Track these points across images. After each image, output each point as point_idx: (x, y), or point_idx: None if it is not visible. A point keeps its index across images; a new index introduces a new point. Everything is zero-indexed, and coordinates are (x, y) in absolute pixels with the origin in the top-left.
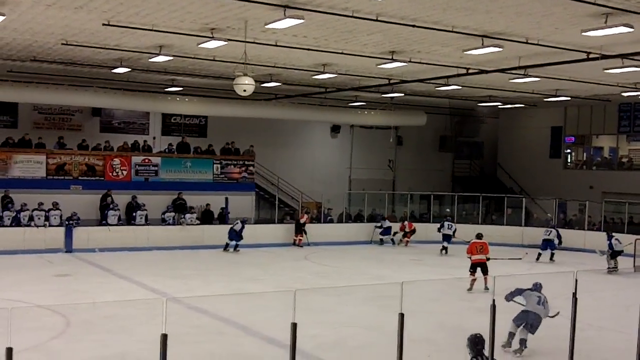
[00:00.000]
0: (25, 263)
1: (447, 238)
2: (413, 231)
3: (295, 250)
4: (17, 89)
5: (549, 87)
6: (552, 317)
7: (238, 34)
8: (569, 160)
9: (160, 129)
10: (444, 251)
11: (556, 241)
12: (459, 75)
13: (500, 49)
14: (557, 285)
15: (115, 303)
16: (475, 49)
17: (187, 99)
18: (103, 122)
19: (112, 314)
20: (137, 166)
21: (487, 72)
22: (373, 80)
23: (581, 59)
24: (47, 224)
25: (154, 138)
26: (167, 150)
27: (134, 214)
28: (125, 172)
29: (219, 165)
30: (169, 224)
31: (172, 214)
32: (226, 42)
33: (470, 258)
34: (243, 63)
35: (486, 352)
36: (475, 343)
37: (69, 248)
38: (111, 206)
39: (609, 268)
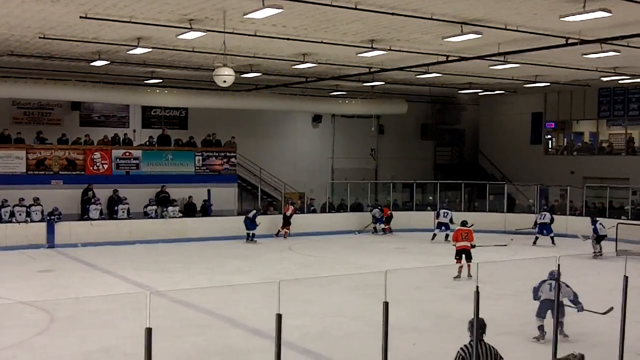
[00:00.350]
0: (7, 259)
1: (443, 225)
2: (390, 217)
3: (279, 241)
4: None
5: (528, 73)
6: (604, 313)
7: (217, 25)
8: (549, 146)
9: (141, 122)
10: (436, 237)
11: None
12: (439, 62)
13: (480, 36)
14: (541, 270)
15: (99, 298)
16: (455, 36)
17: (167, 91)
18: (83, 116)
19: (96, 309)
20: (117, 160)
21: (466, 59)
22: (353, 69)
23: (560, 44)
24: (29, 220)
25: (134, 131)
26: (147, 143)
27: (116, 208)
28: (106, 166)
29: (200, 157)
30: (151, 218)
31: (155, 207)
32: (205, 33)
33: (455, 245)
34: (222, 54)
35: (486, 337)
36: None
37: (51, 243)
38: (93, 200)
39: (595, 252)
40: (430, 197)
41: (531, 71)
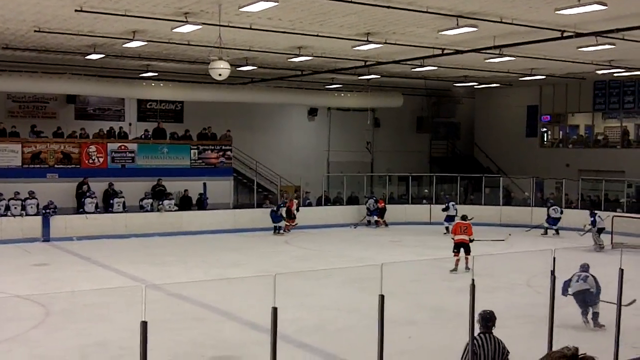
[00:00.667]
0: (3, 253)
1: (451, 219)
2: (383, 210)
3: (278, 234)
4: None
5: (524, 66)
6: (628, 305)
7: (212, 18)
8: (545, 139)
9: (136, 115)
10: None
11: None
12: (434, 55)
13: (475, 29)
14: (536, 263)
15: (95, 291)
16: (450, 29)
17: (162, 84)
18: (78, 110)
19: (91, 303)
20: (113, 153)
21: (462, 52)
22: (349, 62)
23: (555, 37)
24: (24, 214)
25: (130, 124)
26: (143, 136)
27: (112, 202)
28: (101, 160)
29: (196, 151)
30: (147, 211)
31: (150, 200)
32: (200, 26)
33: (453, 238)
34: (218, 47)
35: (495, 330)
36: (487, 320)
37: (46, 237)
38: (88, 194)
39: (599, 245)
40: (426, 190)
41: (527, 64)
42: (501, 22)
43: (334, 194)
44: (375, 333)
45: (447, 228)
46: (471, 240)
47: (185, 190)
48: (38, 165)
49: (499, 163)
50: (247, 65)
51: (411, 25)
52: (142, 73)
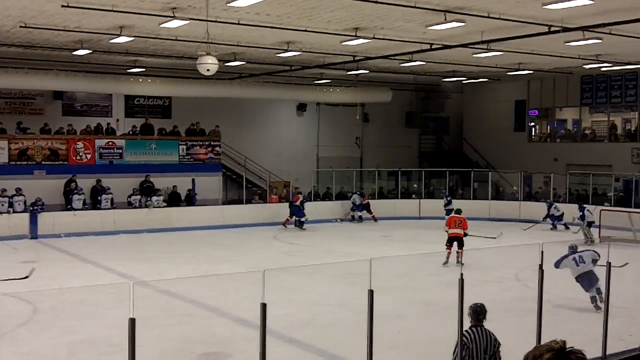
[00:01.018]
0: None
1: (451, 213)
2: (367, 205)
3: (264, 230)
4: None
5: (511, 61)
6: (621, 266)
7: (200, 13)
8: (533, 133)
9: (124, 111)
10: None
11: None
12: (422, 50)
13: (463, 24)
14: (524, 257)
15: (83, 288)
16: (438, 24)
17: (150, 80)
18: (65, 106)
19: (79, 300)
20: (101, 149)
21: (450, 47)
22: (338, 57)
23: (543, 32)
24: (11, 211)
25: (117, 120)
26: (131, 132)
27: (100, 198)
28: (89, 156)
29: (184, 147)
30: (135, 207)
31: (139, 197)
32: (188, 22)
33: (447, 232)
34: (206, 42)
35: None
36: (477, 313)
37: (34, 234)
38: (76, 190)
39: (590, 239)
40: (415, 185)
41: (514, 59)
42: (489, 17)
43: (323, 189)
44: (364, 328)
45: None
46: (465, 235)
47: (174, 187)
48: (25, 162)
49: (487, 157)
50: (235, 60)
51: (399, 20)
52: (130, 69)
